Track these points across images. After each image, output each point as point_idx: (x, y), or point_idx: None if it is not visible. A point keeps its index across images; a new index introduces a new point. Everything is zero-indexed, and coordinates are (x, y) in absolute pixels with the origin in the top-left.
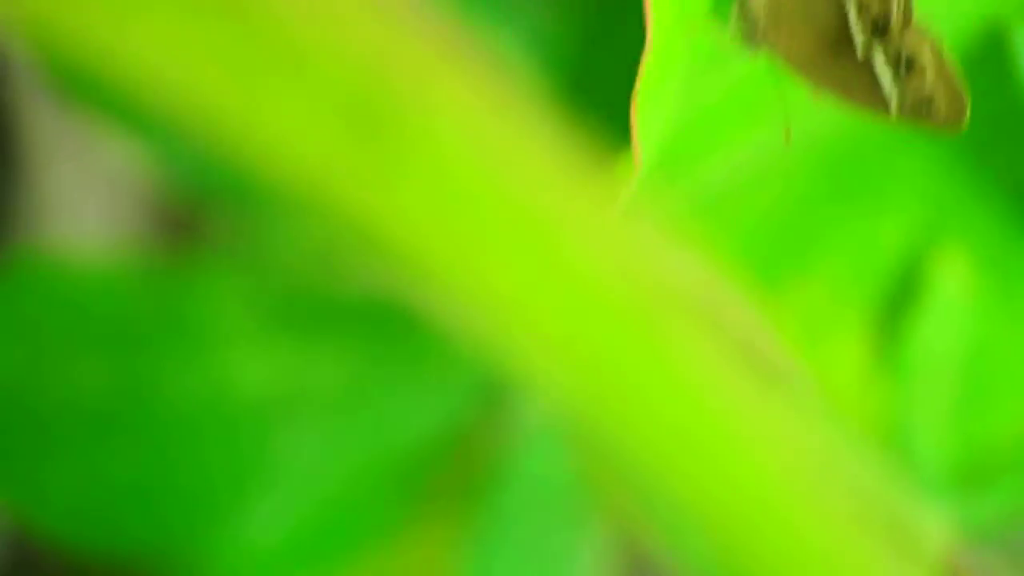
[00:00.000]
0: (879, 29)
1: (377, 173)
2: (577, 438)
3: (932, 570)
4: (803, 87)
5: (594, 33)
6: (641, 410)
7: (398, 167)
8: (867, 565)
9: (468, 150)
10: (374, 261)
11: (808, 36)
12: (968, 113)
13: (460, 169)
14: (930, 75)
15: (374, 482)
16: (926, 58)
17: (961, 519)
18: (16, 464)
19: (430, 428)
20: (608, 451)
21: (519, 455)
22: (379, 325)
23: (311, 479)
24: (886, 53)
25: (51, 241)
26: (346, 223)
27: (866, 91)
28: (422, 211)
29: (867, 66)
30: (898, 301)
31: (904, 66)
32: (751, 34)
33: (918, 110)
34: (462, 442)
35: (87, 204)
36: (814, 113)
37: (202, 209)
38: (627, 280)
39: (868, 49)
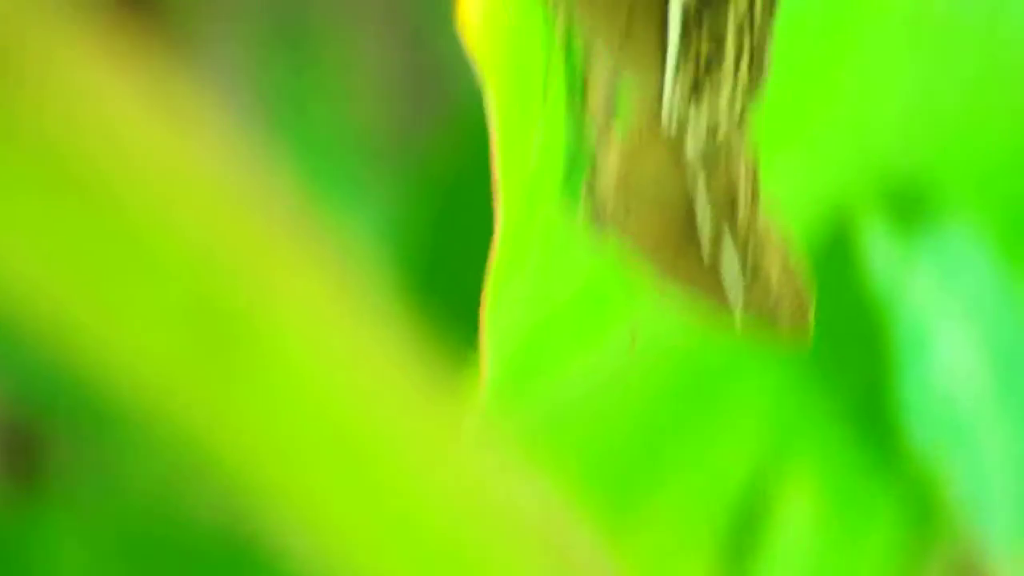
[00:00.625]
0: (726, 212)
1: (216, 390)
2: None
3: None
4: (651, 284)
5: (446, 218)
6: None
7: (236, 385)
8: None
9: (310, 366)
10: (216, 487)
11: (656, 221)
12: (812, 320)
13: (298, 389)
14: (775, 278)
15: None
16: (771, 260)
17: None
18: None
19: None
20: None
21: None
22: (222, 565)
23: None
24: (734, 241)
25: None
26: (186, 443)
27: (712, 284)
28: (257, 434)
29: (714, 258)
30: (744, 525)
31: (749, 266)
32: (600, 216)
33: (762, 311)
34: None
35: None
36: (661, 319)
37: (46, 429)
38: (464, 512)
39: (716, 239)
